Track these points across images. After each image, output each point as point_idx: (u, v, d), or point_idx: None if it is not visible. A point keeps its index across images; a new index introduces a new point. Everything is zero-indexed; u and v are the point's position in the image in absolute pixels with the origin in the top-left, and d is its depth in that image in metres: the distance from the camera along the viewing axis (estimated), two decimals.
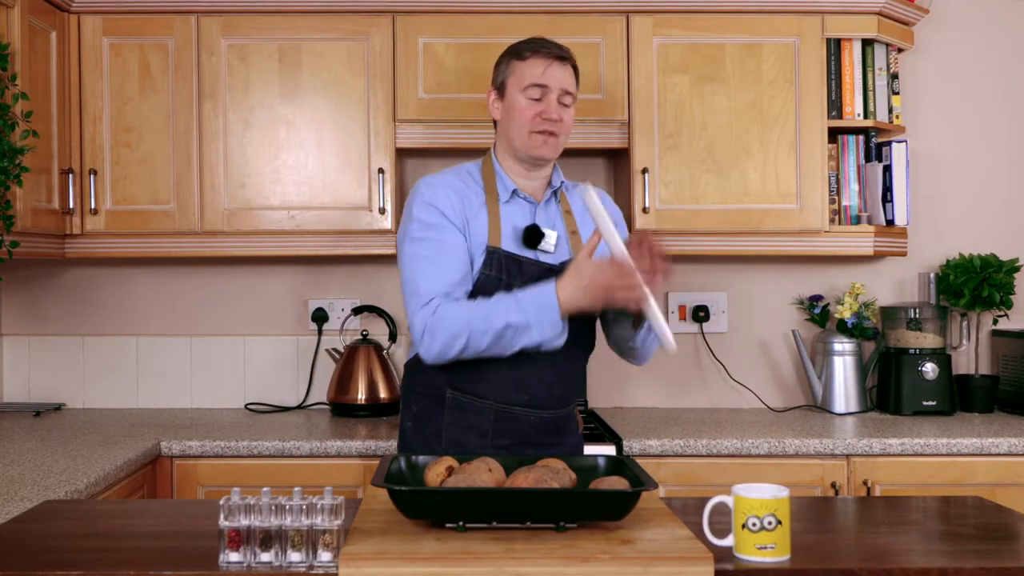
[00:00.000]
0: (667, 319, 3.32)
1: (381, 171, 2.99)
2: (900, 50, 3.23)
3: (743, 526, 1.53)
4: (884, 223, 3.10)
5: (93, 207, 2.97)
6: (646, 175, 3.00)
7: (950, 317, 3.32)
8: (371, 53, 3.00)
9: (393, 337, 3.25)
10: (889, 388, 3.18)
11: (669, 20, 3.02)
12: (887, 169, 3.09)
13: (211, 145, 2.99)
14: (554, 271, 2.18)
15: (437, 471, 1.71)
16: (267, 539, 1.50)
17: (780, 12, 3.03)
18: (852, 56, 3.09)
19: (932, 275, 3.32)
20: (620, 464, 1.79)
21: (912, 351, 3.16)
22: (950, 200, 3.40)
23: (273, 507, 1.50)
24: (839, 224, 3.10)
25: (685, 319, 3.36)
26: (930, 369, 3.13)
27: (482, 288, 2.13)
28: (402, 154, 3.19)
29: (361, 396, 3.12)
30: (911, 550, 1.64)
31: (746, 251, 3.05)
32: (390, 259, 3.23)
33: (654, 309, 1.98)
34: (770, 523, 1.51)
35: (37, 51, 2.79)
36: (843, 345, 3.18)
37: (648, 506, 1.74)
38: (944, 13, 3.38)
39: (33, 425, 2.98)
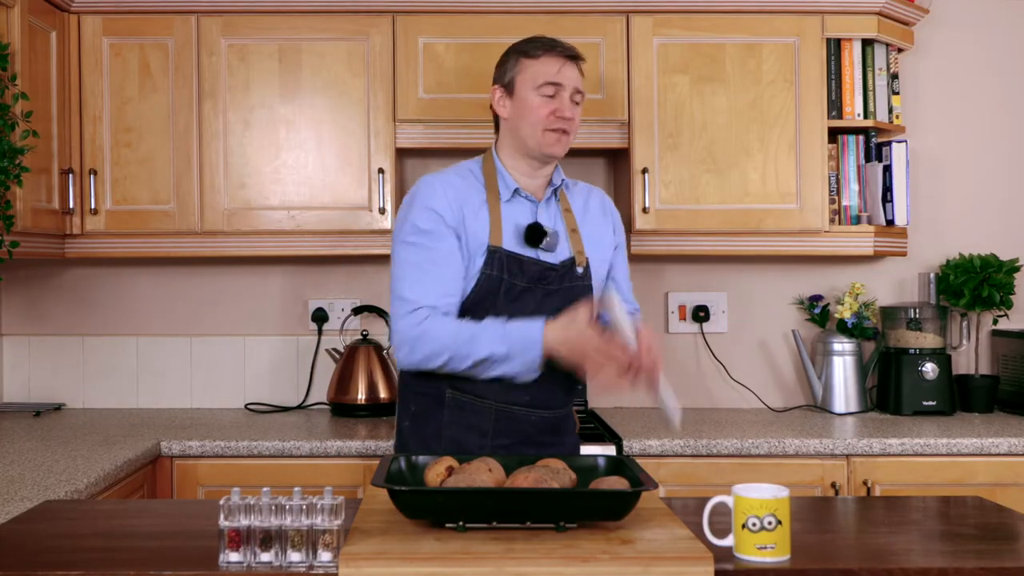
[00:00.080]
0: (667, 319, 3.36)
1: (381, 171, 2.99)
2: (900, 50, 3.23)
3: (743, 526, 1.53)
4: (884, 223, 3.10)
5: (93, 207, 2.97)
6: (646, 175, 3.00)
7: (950, 317, 3.32)
8: (371, 53, 3.00)
9: None
10: (889, 388, 3.18)
11: (669, 20, 3.02)
12: (887, 169, 3.09)
13: (211, 145, 2.99)
14: (555, 270, 2.18)
15: (437, 471, 1.71)
16: (267, 539, 1.50)
17: (780, 12, 3.03)
18: (852, 56, 3.09)
19: (932, 275, 3.32)
20: (620, 464, 1.79)
21: (912, 351, 3.16)
22: (950, 200, 3.40)
23: (273, 507, 1.50)
24: (839, 224, 3.10)
25: (685, 319, 3.36)
26: (930, 369, 3.13)
27: (483, 287, 2.13)
28: (402, 154, 3.19)
29: (361, 396, 3.12)
30: (911, 550, 1.64)
31: (746, 251, 3.05)
32: (390, 259, 3.22)
33: (665, 388, 2.07)
34: (770, 523, 1.51)
35: (37, 51, 2.79)
36: (843, 345, 3.18)
37: (648, 506, 1.74)
38: (944, 13, 3.38)
39: (33, 425, 2.98)
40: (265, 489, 1.52)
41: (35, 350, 3.35)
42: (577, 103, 2.22)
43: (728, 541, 1.56)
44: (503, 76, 2.24)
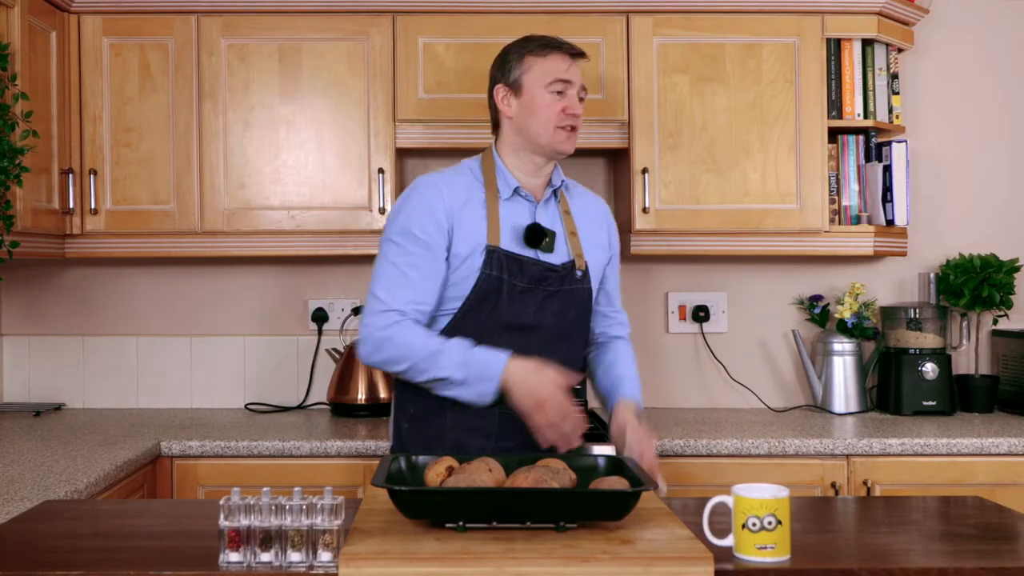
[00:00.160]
0: (667, 319, 3.36)
1: (381, 171, 2.99)
2: (900, 50, 3.23)
3: (743, 526, 1.53)
4: (884, 223, 3.10)
5: (93, 207, 2.97)
6: (646, 175, 3.00)
7: (950, 317, 3.32)
8: (371, 53, 3.00)
9: None
10: (889, 388, 3.18)
11: (669, 20, 3.02)
12: (887, 169, 3.09)
13: (211, 145, 2.99)
14: (556, 271, 2.18)
15: (437, 471, 1.71)
16: (267, 539, 1.50)
17: (780, 12, 3.03)
18: (852, 56, 3.09)
19: (932, 275, 3.32)
20: (620, 464, 1.79)
21: (912, 351, 3.16)
22: (950, 200, 3.40)
23: (273, 507, 1.50)
24: (839, 224, 3.10)
25: (685, 319, 3.36)
26: (930, 369, 3.13)
27: (484, 287, 2.13)
28: (402, 154, 3.19)
29: (361, 396, 3.12)
30: (911, 550, 1.64)
31: (746, 251, 3.05)
32: None
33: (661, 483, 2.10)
34: (770, 523, 1.51)
35: (37, 51, 2.79)
36: (843, 345, 3.18)
37: (648, 506, 1.74)
38: (944, 13, 3.38)
39: (33, 425, 2.98)
40: (265, 489, 1.52)
41: (35, 350, 3.35)
42: (582, 100, 2.24)
43: (728, 541, 1.56)
44: (507, 75, 2.23)
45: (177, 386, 3.35)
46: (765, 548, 1.52)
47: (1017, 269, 3.19)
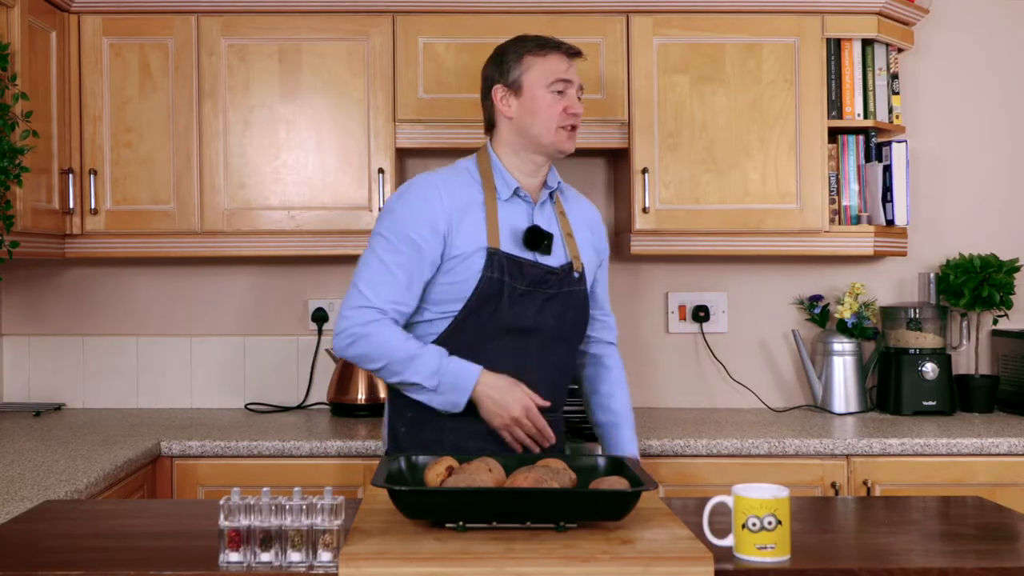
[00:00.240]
0: (667, 319, 3.36)
1: (381, 171, 2.99)
2: (900, 50, 3.23)
3: (743, 526, 1.53)
4: (884, 223, 3.10)
5: (93, 207, 2.97)
6: (646, 175, 3.00)
7: (950, 317, 3.32)
8: (371, 53, 3.00)
9: None
10: (889, 388, 3.18)
11: (669, 20, 3.02)
12: (887, 169, 3.09)
13: (211, 145, 2.99)
14: (555, 274, 2.18)
15: (437, 471, 1.71)
16: (267, 539, 1.50)
17: (780, 12, 3.03)
18: (852, 56, 3.09)
19: (932, 275, 3.32)
20: (620, 464, 1.79)
21: (912, 351, 3.16)
22: (950, 200, 3.40)
23: (273, 507, 1.50)
24: (839, 224, 3.10)
25: (685, 319, 3.36)
26: (930, 369, 3.13)
27: (485, 290, 2.12)
28: (402, 154, 3.19)
29: (361, 396, 3.12)
30: (911, 550, 1.65)
31: (746, 251, 3.05)
32: None
33: None
34: (770, 523, 1.52)
35: (37, 51, 2.79)
36: (843, 345, 3.18)
37: (648, 506, 1.74)
38: (944, 13, 3.38)
39: (33, 425, 2.98)
40: (265, 489, 1.52)
41: (35, 350, 3.35)
42: (580, 99, 2.24)
43: (728, 541, 1.56)
44: (505, 75, 2.21)
45: (177, 386, 3.34)
46: (765, 548, 1.52)
47: (1017, 269, 3.19)
